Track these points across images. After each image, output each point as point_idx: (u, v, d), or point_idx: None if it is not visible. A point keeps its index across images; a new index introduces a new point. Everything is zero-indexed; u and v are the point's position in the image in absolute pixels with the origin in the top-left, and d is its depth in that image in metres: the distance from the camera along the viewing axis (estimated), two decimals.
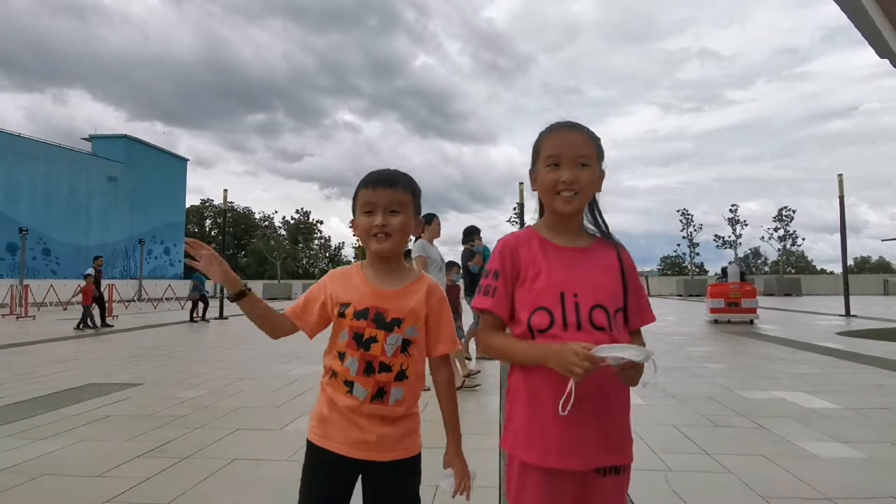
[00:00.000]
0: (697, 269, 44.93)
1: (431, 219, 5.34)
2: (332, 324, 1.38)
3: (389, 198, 1.33)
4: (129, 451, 3.36)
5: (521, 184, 16.75)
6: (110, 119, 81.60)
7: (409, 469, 1.35)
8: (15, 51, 62.95)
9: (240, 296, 1.34)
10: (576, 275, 1.21)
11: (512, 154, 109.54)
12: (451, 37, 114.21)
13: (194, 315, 14.14)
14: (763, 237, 39.42)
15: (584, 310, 1.18)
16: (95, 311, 12.21)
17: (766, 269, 59.25)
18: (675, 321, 13.43)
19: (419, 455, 1.38)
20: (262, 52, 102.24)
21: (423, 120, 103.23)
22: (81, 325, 11.82)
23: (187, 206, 50.12)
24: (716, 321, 12.37)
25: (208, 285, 16.59)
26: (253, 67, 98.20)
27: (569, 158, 1.23)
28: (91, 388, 5.37)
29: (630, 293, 1.24)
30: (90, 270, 12.28)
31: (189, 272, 44.76)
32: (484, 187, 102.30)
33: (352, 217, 1.41)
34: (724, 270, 13.73)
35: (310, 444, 1.36)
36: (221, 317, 15.22)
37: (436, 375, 1.42)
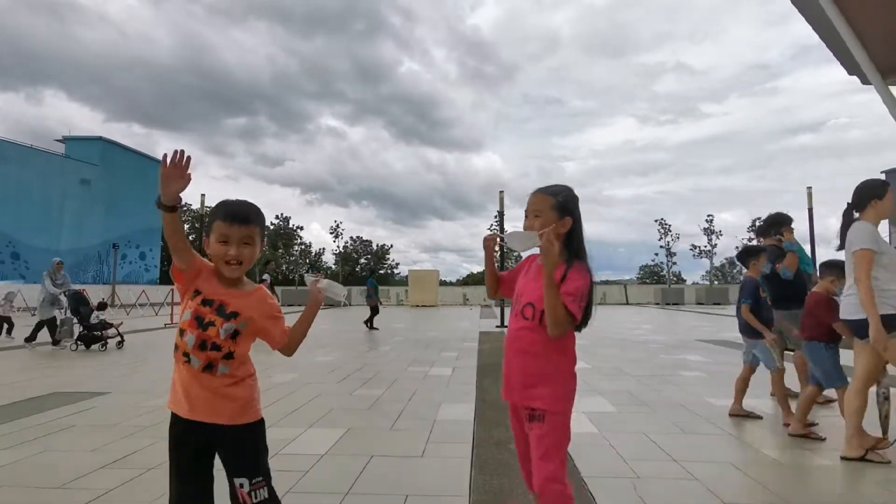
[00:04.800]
0: (675, 279, 45.70)
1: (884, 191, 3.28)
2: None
3: (243, 233, 1.62)
4: (92, 462, 3.28)
5: (502, 192, 16.89)
6: (86, 120, 79.86)
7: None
8: None
9: (171, 209, 1.53)
10: (529, 284, 1.92)
11: (495, 162, 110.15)
12: (437, 43, 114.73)
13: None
14: (738, 247, 40.36)
15: (519, 306, 1.92)
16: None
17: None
18: (651, 329, 13.62)
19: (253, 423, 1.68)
20: (246, 55, 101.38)
21: (407, 126, 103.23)
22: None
23: None
24: None
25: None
26: (235, 70, 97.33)
27: (528, 212, 1.92)
28: (56, 397, 5.22)
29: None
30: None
31: (166, 279, 43.90)
32: (467, 195, 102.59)
33: (206, 236, 1.68)
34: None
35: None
36: None
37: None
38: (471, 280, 64.54)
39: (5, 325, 11.56)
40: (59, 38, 64.74)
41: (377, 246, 66.54)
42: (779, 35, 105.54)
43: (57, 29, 65.43)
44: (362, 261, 61.11)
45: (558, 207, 1.84)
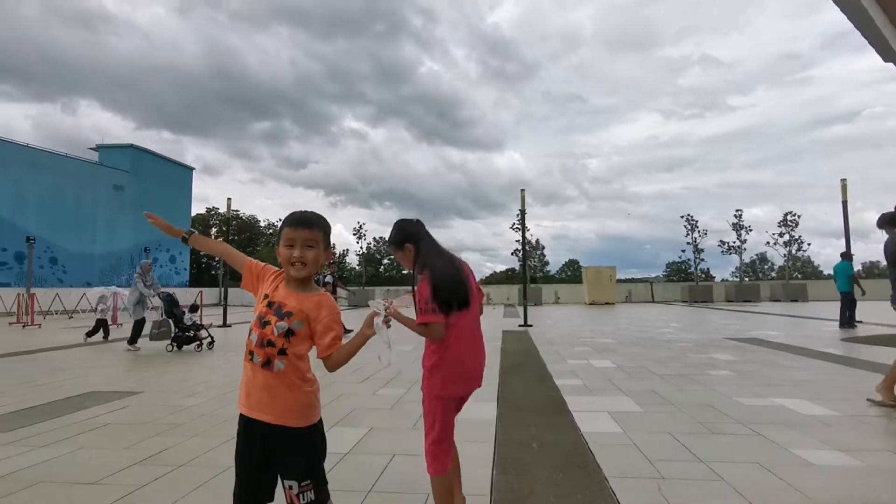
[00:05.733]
0: (703, 275, 44.74)
1: None
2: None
3: (307, 236, 1.75)
4: (125, 459, 3.39)
5: (523, 190, 16.80)
6: (118, 128, 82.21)
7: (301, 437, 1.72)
8: (25, 61, 63.76)
9: (185, 241, 2.05)
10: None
11: (517, 161, 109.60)
12: (457, 43, 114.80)
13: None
14: (769, 242, 39.16)
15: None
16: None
17: (773, 274, 58.90)
18: (678, 327, 13.37)
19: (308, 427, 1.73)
20: (269, 60, 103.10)
21: (429, 126, 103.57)
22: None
23: (193, 214, 50.44)
24: None
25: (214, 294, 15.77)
26: (259, 75, 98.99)
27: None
28: (93, 396, 5.41)
29: None
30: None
31: (195, 281, 44.87)
32: (489, 194, 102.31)
33: (277, 247, 1.80)
34: None
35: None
36: (225, 324, 15.30)
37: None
38: (493, 279, 64.38)
39: (101, 329, 11.72)
40: (91, 48, 66.93)
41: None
42: (808, 24, 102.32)
43: (89, 39, 67.64)
44: (385, 262, 61.48)
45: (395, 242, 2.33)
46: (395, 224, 2.36)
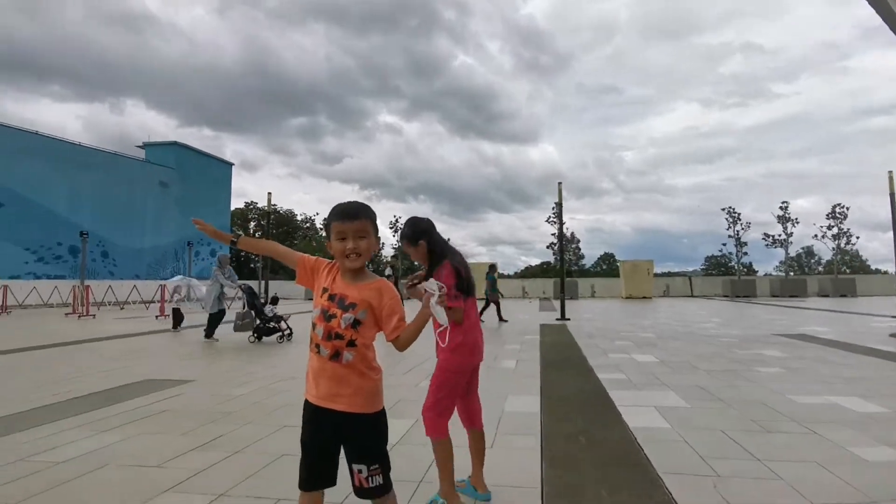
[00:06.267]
0: (745, 270, 43.21)
1: None
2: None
3: (357, 227, 1.77)
4: (184, 445, 3.53)
5: (560, 183, 16.59)
6: (162, 126, 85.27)
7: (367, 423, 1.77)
8: (73, 62, 66.73)
9: (234, 244, 2.05)
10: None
11: (551, 153, 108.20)
12: (491, 35, 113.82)
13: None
14: (816, 235, 37.46)
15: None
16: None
17: (820, 268, 56.36)
18: (721, 322, 12.99)
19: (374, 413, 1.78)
20: (305, 56, 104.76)
21: (463, 120, 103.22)
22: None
23: (232, 208, 51.90)
24: None
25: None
26: (295, 71, 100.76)
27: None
28: (148, 384, 5.65)
29: None
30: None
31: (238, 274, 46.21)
32: (524, 187, 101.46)
33: (328, 241, 1.84)
34: None
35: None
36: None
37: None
38: (528, 273, 63.87)
39: (175, 318, 12.25)
40: (136, 49, 69.26)
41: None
42: (846, 13, 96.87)
43: (134, 41, 70.06)
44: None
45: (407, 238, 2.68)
46: (409, 221, 2.67)
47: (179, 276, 16.87)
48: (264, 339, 9.65)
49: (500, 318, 13.71)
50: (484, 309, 13.92)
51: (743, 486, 2.74)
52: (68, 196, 33.20)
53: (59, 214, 32.32)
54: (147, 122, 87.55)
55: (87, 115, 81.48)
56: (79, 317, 16.68)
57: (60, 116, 79.61)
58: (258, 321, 9.61)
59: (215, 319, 10.09)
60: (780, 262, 42.95)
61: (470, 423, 2.72)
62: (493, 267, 14.92)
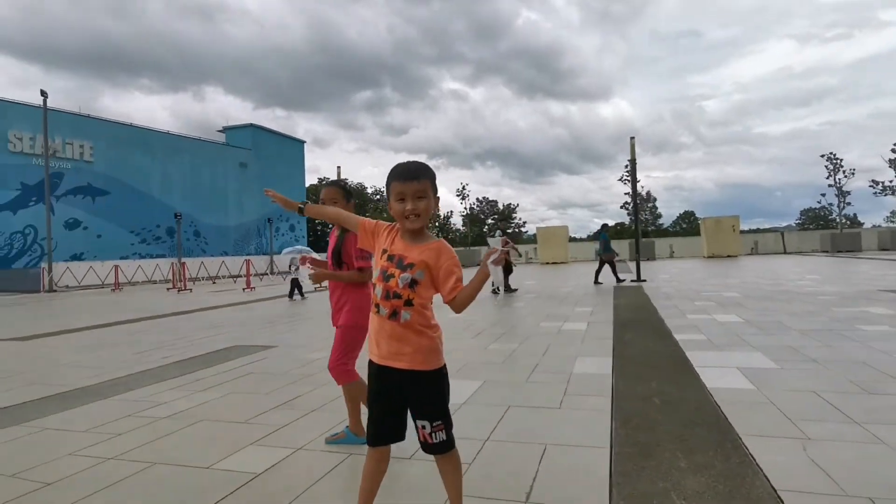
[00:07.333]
0: (848, 222, 39.23)
1: None
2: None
3: (416, 188, 1.76)
4: (267, 403, 3.79)
5: (633, 138, 15.70)
6: (238, 110, 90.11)
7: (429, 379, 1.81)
8: (158, 56, 71.31)
9: (301, 212, 2.24)
10: None
11: (624, 109, 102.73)
12: None
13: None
14: None
15: None
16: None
17: None
18: (818, 279, 11.94)
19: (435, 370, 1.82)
20: (367, 29, 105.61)
21: (529, 80, 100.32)
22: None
23: (307, 185, 54.03)
24: None
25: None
26: (359, 45, 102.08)
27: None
28: (236, 350, 6.10)
29: None
30: None
31: (313, 247, 48.42)
32: (595, 146, 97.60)
33: (388, 201, 1.83)
34: None
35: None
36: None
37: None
38: None
39: (296, 289, 12.92)
40: (211, 37, 73.00)
41: (503, 206, 66.46)
42: None
43: (210, 30, 73.59)
44: (489, 221, 61.65)
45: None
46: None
47: (295, 247, 16.87)
48: None
49: (617, 279, 13.32)
50: (599, 270, 13.67)
51: (837, 450, 2.52)
52: (161, 181, 36.04)
53: (154, 198, 35.22)
54: (225, 108, 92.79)
55: (172, 104, 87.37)
56: (178, 291, 18.24)
57: (150, 108, 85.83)
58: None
59: (296, 284, 12.22)
60: (892, 212, 38.65)
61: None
62: (605, 226, 14.52)
